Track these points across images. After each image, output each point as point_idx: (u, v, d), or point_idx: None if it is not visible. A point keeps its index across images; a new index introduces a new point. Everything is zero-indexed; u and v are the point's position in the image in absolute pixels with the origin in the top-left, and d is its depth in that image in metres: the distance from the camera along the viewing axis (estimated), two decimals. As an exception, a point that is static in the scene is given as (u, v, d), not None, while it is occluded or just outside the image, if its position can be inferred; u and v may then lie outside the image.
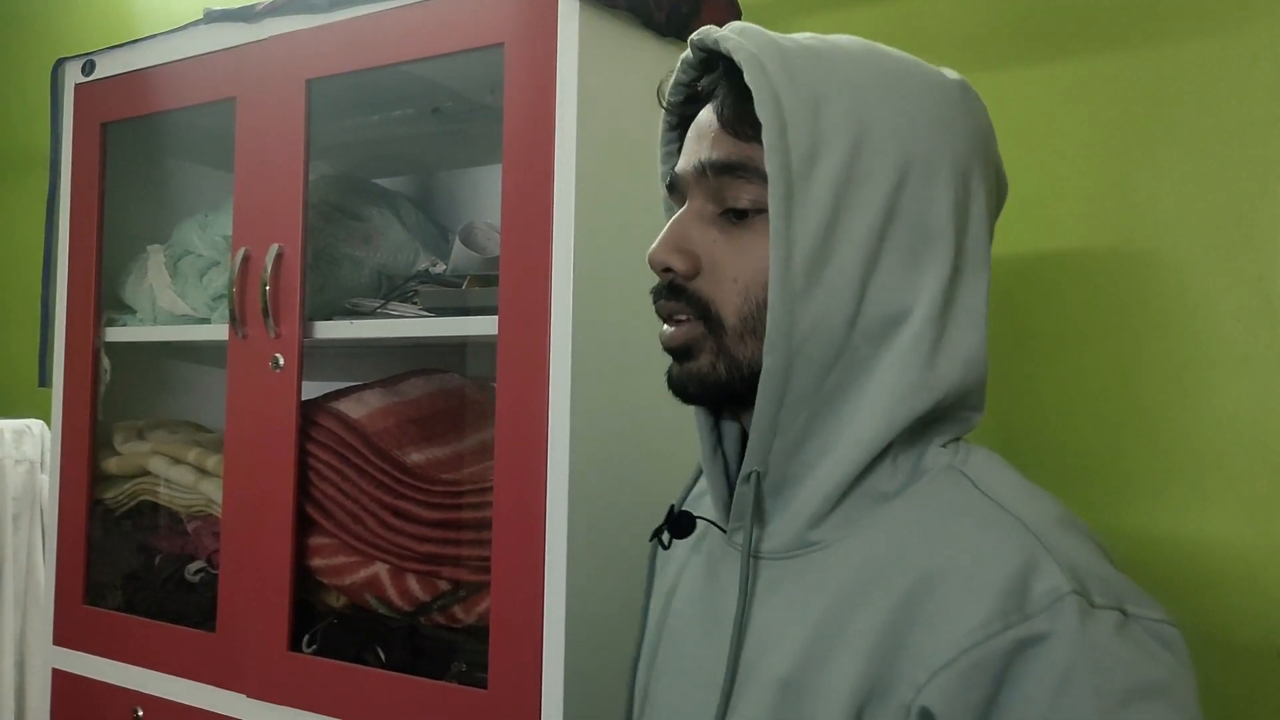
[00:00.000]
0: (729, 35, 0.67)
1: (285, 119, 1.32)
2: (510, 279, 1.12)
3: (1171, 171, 1.18)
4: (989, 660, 0.57)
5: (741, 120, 0.66)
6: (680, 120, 0.75)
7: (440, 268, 1.46)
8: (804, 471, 0.67)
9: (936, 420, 0.67)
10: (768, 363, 0.65)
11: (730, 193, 0.67)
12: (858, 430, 0.65)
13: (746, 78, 0.64)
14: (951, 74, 0.71)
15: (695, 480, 0.83)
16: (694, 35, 0.70)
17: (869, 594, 0.62)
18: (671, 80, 0.74)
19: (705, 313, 0.68)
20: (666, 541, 0.78)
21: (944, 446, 0.67)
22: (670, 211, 0.76)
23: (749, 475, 0.68)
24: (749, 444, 0.68)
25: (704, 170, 0.68)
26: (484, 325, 1.17)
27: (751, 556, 0.69)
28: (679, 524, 0.77)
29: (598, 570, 1.10)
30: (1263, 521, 1.11)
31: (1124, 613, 0.59)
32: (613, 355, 1.11)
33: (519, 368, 1.10)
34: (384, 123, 1.53)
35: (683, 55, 0.72)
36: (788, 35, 0.68)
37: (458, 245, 1.39)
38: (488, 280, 1.27)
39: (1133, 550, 1.17)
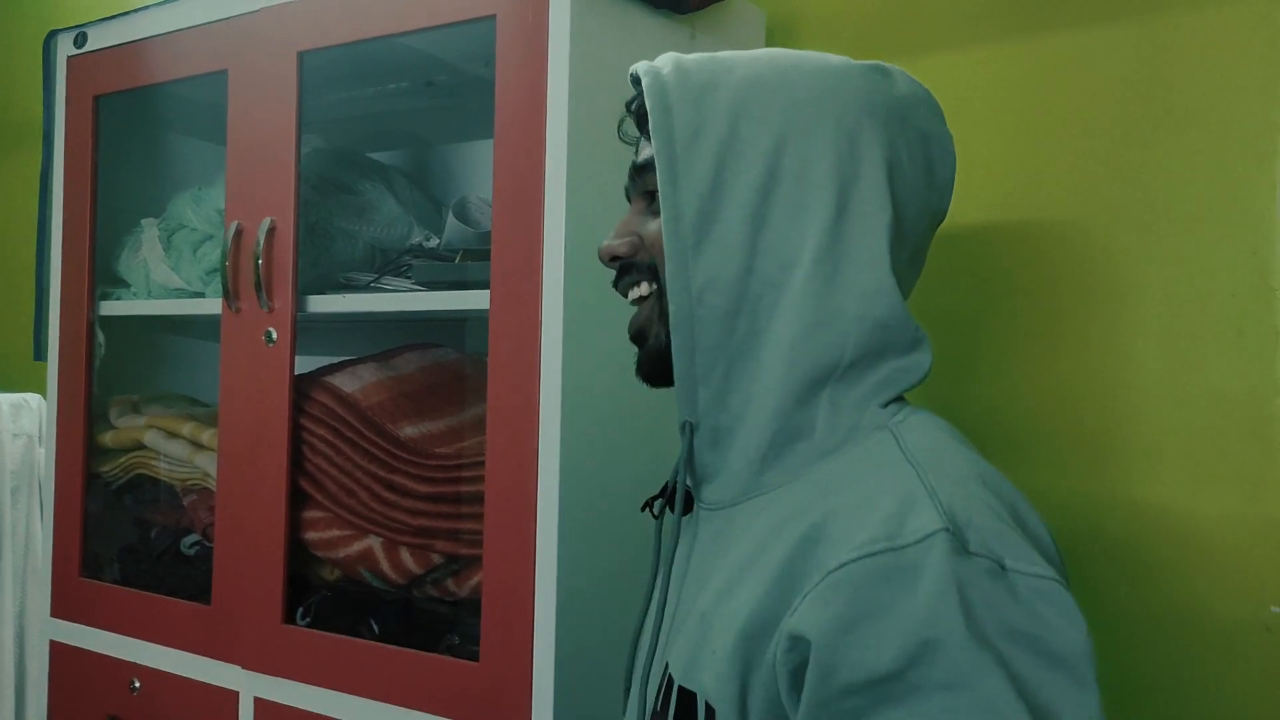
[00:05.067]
0: (642, 64, 0.77)
1: (277, 91, 1.31)
2: (502, 254, 1.12)
3: (1166, 145, 1.17)
4: (845, 581, 0.59)
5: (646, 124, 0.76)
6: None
7: (434, 242, 1.46)
8: (734, 424, 0.73)
9: (862, 365, 0.71)
10: (672, 310, 0.73)
11: (650, 184, 0.77)
12: (771, 369, 0.71)
13: (643, 83, 0.75)
14: (862, 62, 0.77)
15: None
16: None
17: (781, 535, 0.67)
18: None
19: (655, 275, 0.78)
20: (656, 510, 0.83)
21: (884, 407, 0.71)
22: None
23: (683, 425, 0.75)
24: (676, 393, 0.75)
25: (632, 175, 0.81)
26: (477, 300, 1.17)
27: (701, 506, 0.77)
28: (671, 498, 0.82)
29: (589, 544, 1.10)
30: (1254, 496, 1.11)
31: (1001, 565, 0.59)
32: (604, 330, 1.11)
33: (511, 342, 1.10)
34: (378, 96, 1.52)
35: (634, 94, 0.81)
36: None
37: (451, 220, 1.39)
38: (480, 255, 1.27)
39: (1124, 525, 1.18)
